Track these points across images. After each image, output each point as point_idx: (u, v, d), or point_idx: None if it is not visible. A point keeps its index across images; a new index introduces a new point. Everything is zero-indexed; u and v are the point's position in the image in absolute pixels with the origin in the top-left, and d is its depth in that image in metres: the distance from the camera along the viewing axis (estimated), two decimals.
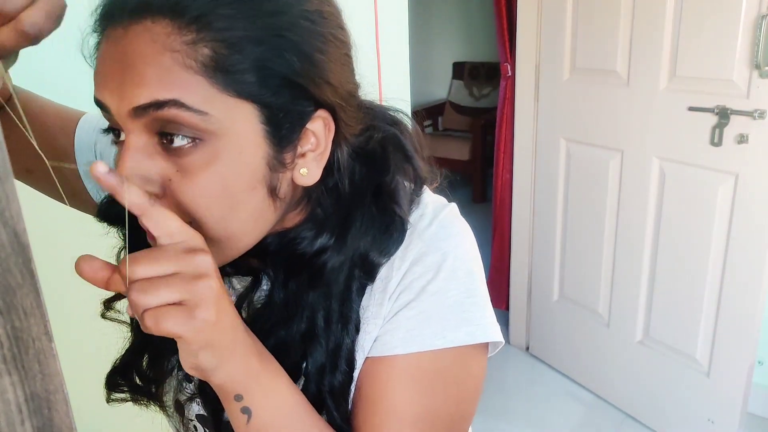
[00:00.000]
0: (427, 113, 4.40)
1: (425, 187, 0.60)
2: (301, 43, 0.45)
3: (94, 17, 0.47)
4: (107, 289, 0.43)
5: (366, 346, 0.54)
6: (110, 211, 0.60)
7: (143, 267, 0.41)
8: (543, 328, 2.37)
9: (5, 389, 0.23)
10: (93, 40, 0.47)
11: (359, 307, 0.54)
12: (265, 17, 0.44)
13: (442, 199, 0.61)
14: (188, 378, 0.62)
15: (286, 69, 0.45)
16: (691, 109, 1.68)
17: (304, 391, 0.54)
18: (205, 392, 0.58)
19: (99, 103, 0.45)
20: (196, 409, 0.62)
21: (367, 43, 1.53)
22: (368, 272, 0.54)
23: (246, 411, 0.48)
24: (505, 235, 2.46)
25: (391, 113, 0.60)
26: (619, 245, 1.98)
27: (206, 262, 0.42)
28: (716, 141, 1.63)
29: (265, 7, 0.44)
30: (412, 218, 0.56)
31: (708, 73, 1.63)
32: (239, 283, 0.59)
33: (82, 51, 0.49)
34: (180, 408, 0.64)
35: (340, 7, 0.51)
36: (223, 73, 0.43)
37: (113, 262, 0.68)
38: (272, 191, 0.48)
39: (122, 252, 0.63)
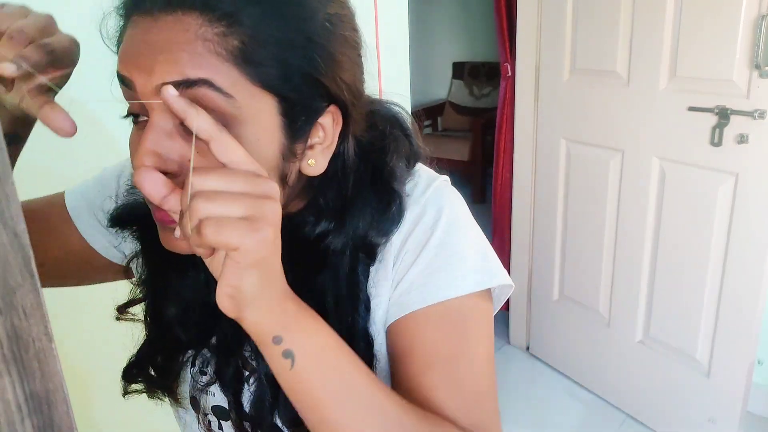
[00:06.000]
0: (426, 113, 4.40)
1: (419, 163, 0.63)
2: (325, 45, 0.48)
3: (118, 1, 0.48)
4: (162, 205, 0.42)
5: (379, 320, 0.57)
6: (122, 216, 0.62)
7: (214, 179, 0.40)
8: (543, 328, 2.37)
9: (5, 388, 0.23)
10: (113, 21, 0.49)
11: (366, 287, 0.57)
12: (293, 20, 0.46)
13: (434, 172, 0.64)
14: (202, 371, 0.64)
15: (310, 68, 0.47)
16: (691, 109, 1.68)
17: None
18: (223, 375, 0.60)
19: (125, 80, 0.46)
20: (211, 401, 0.64)
21: (367, 43, 1.53)
22: (369, 253, 0.57)
23: (288, 355, 0.45)
24: (505, 235, 2.46)
25: (392, 106, 0.63)
26: (619, 245, 1.98)
27: (273, 188, 0.42)
28: (716, 141, 1.63)
29: (293, 11, 0.46)
30: (407, 188, 0.59)
31: (708, 73, 1.63)
32: None
33: (100, 29, 0.50)
34: (196, 404, 0.65)
35: (354, 10, 0.54)
36: (250, 64, 0.45)
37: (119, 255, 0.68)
38: (282, 179, 0.51)
39: (134, 260, 0.64)
